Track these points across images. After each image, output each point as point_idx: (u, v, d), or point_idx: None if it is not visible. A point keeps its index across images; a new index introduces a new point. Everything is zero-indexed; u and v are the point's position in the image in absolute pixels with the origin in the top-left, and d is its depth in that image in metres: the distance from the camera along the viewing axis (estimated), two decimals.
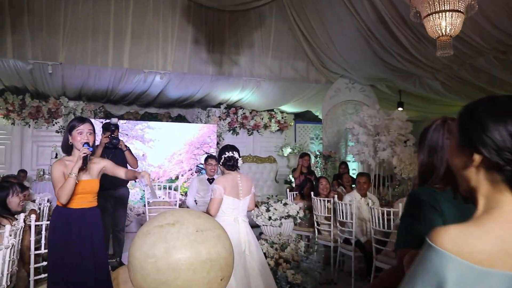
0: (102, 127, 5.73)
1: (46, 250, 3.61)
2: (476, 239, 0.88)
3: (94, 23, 8.19)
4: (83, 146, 3.14)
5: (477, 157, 0.99)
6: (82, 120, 3.29)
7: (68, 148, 3.24)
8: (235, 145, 4.05)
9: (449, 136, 1.22)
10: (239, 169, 3.96)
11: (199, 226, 1.80)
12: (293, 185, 9.19)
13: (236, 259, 3.36)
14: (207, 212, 3.78)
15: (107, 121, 5.76)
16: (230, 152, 3.87)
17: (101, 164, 3.36)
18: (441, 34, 4.75)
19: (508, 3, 5.43)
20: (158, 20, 8.61)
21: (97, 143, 4.32)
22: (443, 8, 4.65)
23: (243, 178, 3.91)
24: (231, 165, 3.85)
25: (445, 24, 4.68)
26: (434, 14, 4.72)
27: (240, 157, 3.94)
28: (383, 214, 4.84)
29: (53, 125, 9.68)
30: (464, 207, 1.57)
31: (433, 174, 1.76)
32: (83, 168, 3.19)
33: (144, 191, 8.18)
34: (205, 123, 10.68)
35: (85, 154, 3.12)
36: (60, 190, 3.08)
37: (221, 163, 3.90)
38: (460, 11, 4.67)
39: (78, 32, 8.10)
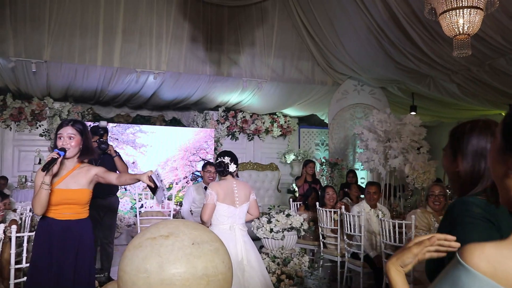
0: (90, 130, 5.70)
1: (27, 264, 3.60)
2: None
3: (82, 18, 8.17)
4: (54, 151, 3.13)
5: None
6: (62, 124, 3.28)
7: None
8: (231, 151, 4.15)
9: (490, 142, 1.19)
10: (237, 176, 4.03)
11: (196, 239, 1.78)
12: (297, 194, 9.18)
13: (234, 270, 3.43)
14: (200, 219, 3.87)
15: (95, 124, 5.74)
16: (222, 157, 3.99)
17: (91, 172, 3.27)
18: (458, 32, 4.75)
19: None
20: (151, 15, 8.61)
21: None
22: (461, 4, 4.64)
23: (240, 184, 3.97)
24: (221, 171, 3.98)
25: (462, 21, 4.68)
26: (450, 11, 4.72)
27: (233, 162, 4.00)
28: (394, 226, 4.83)
29: (37, 128, 9.63)
30: None
31: (478, 184, 1.68)
32: (55, 175, 3.13)
33: (135, 200, 8.16)
34: (201, 127, 10.67)
35: (49, 159, 3.04)
36: (33, 201, 3.06)
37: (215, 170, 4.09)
38: (479, 8, 4.67)
39: (64, 28, 8.06)
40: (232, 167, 3.97)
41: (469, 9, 4.66)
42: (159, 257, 1.70)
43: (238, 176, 4.14)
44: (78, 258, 3.16)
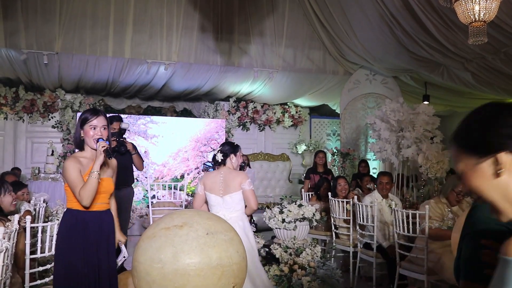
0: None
1: (43, 254, 3.62)
2: None
3: (93, 9, 8.19)
4: (97, 141, 3.06)
5: (504, 157, 1.04)
6: (96, 112, 3.18)
7: (80, 143, 3.16)
8: (232, 142, 4.43)
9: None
10: (249, 167, 4.06)
11: (210, 229, 1.78)
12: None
13: None
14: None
15: (120, 124, 5.73)
16: (222, 146, 4.24)
17: (113, 163, 3.30)
18: (474, 19, 4.70)
19: None
20: (162, 6, 8.60)
21: None
22: None
23: (230, 174, 4.01)
24: (216, 161, 4.14)
25: (478, 8, 4.62)
26: None
27: (231, 152, 4.11)
28: (407, 217, 4.80)
29: (49, 119, 9.68)
30: None
31: None
32: (104, 164, 3.12)
33: (147, 190, 8.21)
34: (212, 117, 10.67)
35: (104, 148, 3.02)
36: (83, 192, 2.97)
37: None
38: None
39: (75, 20, 8.09)
40: (219, 156, 4.09)
41: None
42: (173, 247, 1.70)
43: (250, 167, 4.15)
44: (109, 250, 3.17)
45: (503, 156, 1.04)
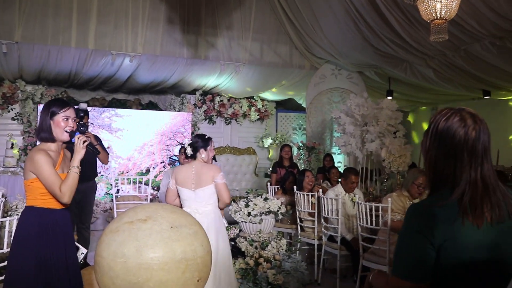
0: None
1: (1, 250, 3.52)
2: None
3: None
4: (74, 134, 2.93)
5: None
6: (67, 103, 3.03)
7: (50, 135, 2.94)
8: (202, 134, 4.22)
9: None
10: (214, 160, 4.05)
11: (174, 222, 1.77)
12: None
13: None
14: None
15: (75, 107, 5.61)
16: (195, 138, 4.14)
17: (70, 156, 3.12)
18: (435, 17, 4.79)
19: None
20: None
21: None
22: None
23: (202, 168, 3.98)
24: (187, 153, 4.06)
25: (440, 6, 4.71)
26: None
27: (195, 146, 4.04)
28: (370, 209, 4.88)
29: (9, 111, 9.44)
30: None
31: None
32: (66, 159, 2.98)
33: (111, 184, 8.09)
34: (179, 111, 10.60)
35: (87, 142, 2.91)
36: (65, 188, 2.80)
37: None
38: None
39: (36, 8, 7.87)
40: (188, 150, 4.02)
41: None
42: (136, 241, 1.70)
43: (216, 160, 4.12)
44: (73, 247, 3.04)
45: None
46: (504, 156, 7.28)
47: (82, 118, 5.43)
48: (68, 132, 2.94)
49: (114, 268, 1.71)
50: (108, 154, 5.87)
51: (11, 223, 3.53)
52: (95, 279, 3.20)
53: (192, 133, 10.36)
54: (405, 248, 1.62)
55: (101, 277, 1.76)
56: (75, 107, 3.08)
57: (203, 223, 3.76)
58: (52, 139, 2.96)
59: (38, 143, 3.10)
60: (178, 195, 4.08)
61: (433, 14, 4.78)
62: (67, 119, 2.94)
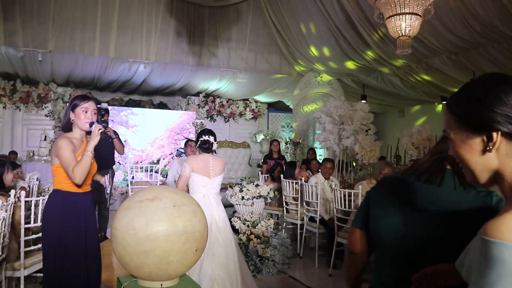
0: None
1: (36, 224, 3.56)
2: None
3: (82, 13, 8.02)
4: (91, 124, 2.84)
5: (495, 136, 0.88)
6: (87, 97, 2.94)
7: (68, 125, 2.88)
8: (212, 129, 4.02)
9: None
10: (215, 152, 3.93)
11: (176, 202, 1.81)
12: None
13: (210, 232, 3.36)
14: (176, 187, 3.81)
15: (98, 106, 5.61)
16: (207, 136, 3.85)
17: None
18: (401, 34, 4.84)
19: (460, 9, 5.55)
20: (142, 12, 8.48)
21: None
22: (404, 11, 4.73)
23: (216, 159, 3.89)
24: (206, 147, 3.84)
25: (404, 25, 4.77)
26: (395, 16, 4.81)
27: (216, 141, 3.91)
28: (344, 195, 4.94)
29: (43, 109, 9.46)
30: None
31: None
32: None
33: (127, 172, 8.12)
34: (185, 110, 10.61)
35: (101, 130, 2.82)
36: (77, 169, 2.70)
37: (197, 145, 3.91)
38: (418, 15, 4.76)
39: (67, 22, 7.90)
40: (215, 146, 3.90)
41: (410, 15, 4.75)
42: (145, 217, 1.73)
43: (216, 152, 4.08)
44: (94, 227, 2.99)
45: (495, 136, 0.88)
46: None
47: (103, 115, 5.43)
48: (89, 122, 2.86)
49: (126, 238, 1.75)
50: (124, 146, 5.87)
51: (44, 202, 3.54)
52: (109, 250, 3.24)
53: (196, 129, 10.37)
54: None
55: (116, 246, 1.80)
56: (98, 106, 3.03)
57: (219, 205, 3.83)
58: (69, 129, 2.88)
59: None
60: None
61: (399, 31, 4.83)
62: (86, 111, 2.85)
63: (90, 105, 2.88)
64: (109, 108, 9.31)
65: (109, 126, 5.59)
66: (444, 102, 9.73)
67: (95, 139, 2.80)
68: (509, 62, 6.50)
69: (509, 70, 6.81)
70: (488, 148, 0.89)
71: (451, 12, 5.68)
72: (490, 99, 0.89)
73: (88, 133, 2.93)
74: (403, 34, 4.79)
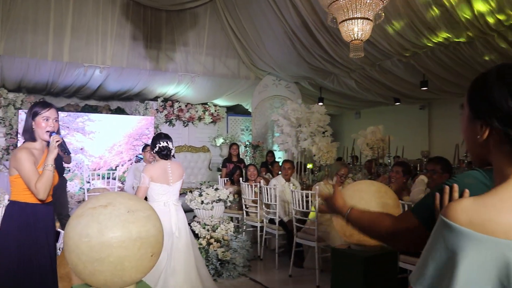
0: None
1: None
2: (491, 209, 0.77)
3: (34, 15, 7.74)
4: (50, 135, 2.69)
5: (486, 129, 0.90)
6: (48, 104, 2.78)
7: (31, 135, 2.73)
8: (168, 134, 3.88)
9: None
10: (173, 157, 3.83)
11: (130, 207, 1.79)
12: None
13: (166, 240, 3.22)
14: None
15: None
16: (164, 142, 3.71)
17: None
18: (353, 38, 4.97)
19: (408, 14, 5.77)
20: (98, 15, 8.30)
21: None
22: (355, 15, 4.86)
23: (174, 165, 3.77)
24: (164, 154, 3.71)
25: (357, 29, 4.90)
26: (347, 21, 4.93)
27: (173, 145, 3.80)
28: (303, 196, 5.01)
29: None
30: None
31: None
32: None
33: (83, 181, 7.91)
34: (143, 115, 10.46)
35: (58, 142, 2.67)
36: (40, 184, 2.59)
37: (154, 151, 3.73)
38: (369, 19, 4.91)
39: (17, 24, 7.60)
40: (173, 151, 3.79)
41: (362, 20, 4.88)
42: (98, 224, 1.71)
43: (174, 157, 3.99)
44: (50, 239, 2.80)
45: (483, 126, 0.90)
46: (407, 151, 7.60)
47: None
48: (49, 132, 2.72)
49: (80, 246, 1.71)
50: (71, 157, 5.66)
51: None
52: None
53: (155, 134, 10.24)
54: None
55: (69, 254, 1.77)
56: None
57: (179, 212, 3.72)
58: (33, 139, 2.74)
59: (19, 143, 2.89)
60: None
61: (352, 35, 4.97)
62: (47, 120, 2.71)
63: (51, 114, 2.74)
64: (64, 114, 9.06)
65: (66, 133, 5.45)
66: (398, 103, 10.06)
67: (53, 152, 2.67)
68: (454, 64, 6.80)
69: (455, 72, 7.14)
70: (477, 137, 0.92)
71: (400, 17, 5.89)
72: (491, 91, 0.88)
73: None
74: (356, 38, 4.93)
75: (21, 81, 8.80)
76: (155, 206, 3.44)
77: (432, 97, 9.51)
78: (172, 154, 3.77)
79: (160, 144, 3.70)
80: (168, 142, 3.73)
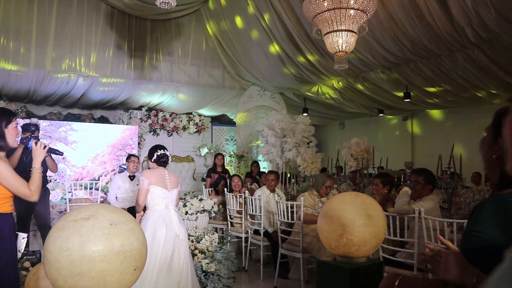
0: (22, 127, 5.24)
1: None
2: None
3: (16, 23, 7.61)
4: (24, 140, 2.76)
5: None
6: (13, 112, 2.77)
7: (5, 143, 2.66)
8: (163, 146, 4.10)
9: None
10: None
11: (113, 220, 1.76)
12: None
13: (171, 243, 3.56)
14: (136, 203, 3.81)
15: (27, 121, 5.33)
16: (163, 150, 3.96)
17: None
18: (338, 50, 5.01)
19: (392, 27, 5.85)
20: (81, 24, 8.22)
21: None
22: (340, 28, 4.90)
23: (170, 173, 3.98)
24: (164, 161, 3.94)
25: (341, 41, 4.94)
26: (332, 33, 4.97)
27: (170, 155, 4.05)
28: (287, 207, 5.00)
29: None
30: None
31: None
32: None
33: (65, 191, 7.76)
34: (127, 124, 10.35)
35: (47, 148, 2.75)
36: (34, 187, 2.59)
37: (153, 160, 3.93)
38: (353, 32, 4.96)
39: None
40: (170, 159, 4.03)
41: (346, 32, 4.93)
42: (80, 237, 1.67)
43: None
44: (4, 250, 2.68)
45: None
46: (391, 162, 7.67)
47: (33, 131, 5.18)
48: (20, 139, 2.77)
49: (60, 260, 1.67)
50: (56, 164, 5.57)
51: None
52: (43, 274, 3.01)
53: (139, 143, 10.14)
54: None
55: (49, 269, 1.72)
56: (27, 121, 2.89)
57: (179, 217, 3.92)
58: (4, 147, 2.68)
59: None
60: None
61: (336, 47, 5.00)
62: (16, 126, 2.73)
63: (18, 120, 2.78)
64: (47, 123, 8.91)
65: (47, 142, 5.34)
66: (381, 115, 10.16)
67: (41, 155, 2.72)
68: (436, 76, 6.91)
69: (437, 84, 7.25)
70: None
71: (384, 30, 5.97)
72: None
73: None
74: (340, 50, 4.97)
75: (2, 89, 8.64)
76: (157, 209, 3.73)
77: (415, 108, 9.63)
78: (169, 162, 4.02)
79: (158, 152, 3.95)
80: (166, 151, 4.00)
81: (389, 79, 7.45)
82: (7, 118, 2.68)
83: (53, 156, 5.03)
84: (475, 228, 1.30)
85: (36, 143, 2.75)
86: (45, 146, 2.75)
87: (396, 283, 1.55)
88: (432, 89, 7.64)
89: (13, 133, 2.70)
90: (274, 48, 8.07)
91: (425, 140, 10.54)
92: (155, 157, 3.93)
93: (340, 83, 8.45)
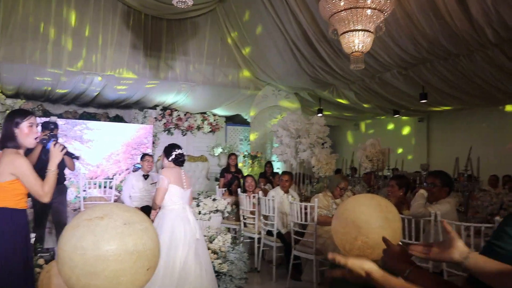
0: (41, 125, 5.33)
1: None
2: None
3: (34, 22, 7.72)
4: (44, 141, 2.79)
5: None
6: (28, 112, 2.80)
7: (15, 143, 2.70)
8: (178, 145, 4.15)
9: None
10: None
11: (127, 220, 1.75)
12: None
13: (191, 242, 3.64)
14: (153, 201, 3.86)
15: (46, 119, 5.39)
16: (179, 150, 4.03)
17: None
18: (354, 50, 4.97)
19: (409, 27, 5.78)
20: (98, 23, 8.30)
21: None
22: (356, 27, 4.86)
23: (185, 173, 4.05)
24: (181, 160, 4.02)
25: (357, 41, 4.89)
26: (348, 32, 4.93)
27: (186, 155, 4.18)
28: (301, 208, 4.97)
29: None
30: None
31: None
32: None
33: (79, 189, 7.84)
34: (141, 123, 10.42)
35: (65, 150, 2.79)
36: (48, 188, 2.66)
37: (171, 159, 3.97)
38: (370, 31, 4.91)
39: (17, 31, 7.58)
40: (186, 159, 4.14)
41: (362, 32, 4.88)
42: (94, 236, 1.66)
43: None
44: (28, 244, 2.83)
45: None
46: (406, 163, 7.60)
47: (52, 130, 5.24)
48: (38, 139, 2.77)
49: (74, 259, 1.67)
50: (74, 164, 5.64)
51: None
52: (56, 271, 3.05)
53: (153, 143, 10.20)
54: None
55: (62, 267, 1.72)
56: (46, 120, 2.96)
57: (193, 217, 3.95)
58: (17, 147, 2.71)
59: None
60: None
61: (352, 47, 4.96)
62: (31, 126, 2.74)
63: (34, 120, 2.79)
64: (63, 122, 9.01)
65: (63, 141, 5.40)
66: (397, 116, 10.06)
67: (58, 157, 2.77)
68: (454, 77, 6.81)
69: (454, 85, 7.13)
70: None
71: (401, 29, 5.90)
72: None
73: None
74: (356, 50, 4.92)
75: (20, 88, 8.78)
76: (174, 208, 3.78)
77: (431, 109, 9.52)
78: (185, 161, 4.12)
79: (176, 151, 4.01)
80: (181, 150, 4.09)
81: (405, 80, 7.36)
82: (18, 119, 2.72)
83: None
84: (497, 242, 1.30)
85: (54, 145, 2.79)
86: (63, 148, 2.79)
87: (407, 272, 1.46)
88: (449, 90, 7.53)
89: (27, 133, 2.72)
90: (290, 48, 8.04)
91: (442, 142, 10.41)
92: (173, 156, 3.97)
93: (355, 83, 8.38)
